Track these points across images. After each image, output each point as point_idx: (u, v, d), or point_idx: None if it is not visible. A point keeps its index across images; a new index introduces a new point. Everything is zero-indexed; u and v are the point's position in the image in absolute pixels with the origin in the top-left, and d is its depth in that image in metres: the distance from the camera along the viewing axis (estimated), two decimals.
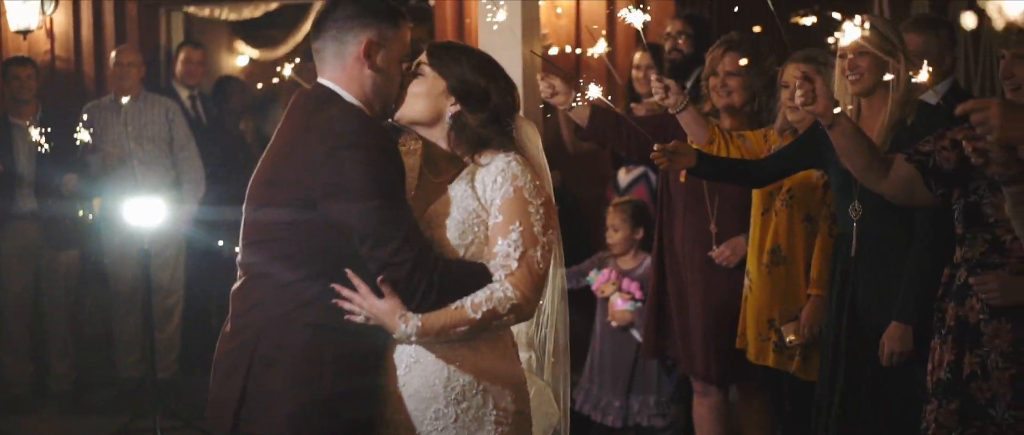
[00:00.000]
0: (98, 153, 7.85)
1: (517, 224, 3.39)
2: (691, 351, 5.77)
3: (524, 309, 3.41)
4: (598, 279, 6.57)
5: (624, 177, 7.31)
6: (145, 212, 6.94)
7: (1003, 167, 3.32)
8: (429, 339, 3.38)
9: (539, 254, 3.40)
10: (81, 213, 7.82)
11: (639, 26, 4.84)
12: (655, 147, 4.90)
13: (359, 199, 3.26)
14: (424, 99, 3.51)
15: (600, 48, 5.32)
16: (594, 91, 4.63)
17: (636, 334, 6.40)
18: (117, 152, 7.92)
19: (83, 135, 7.41)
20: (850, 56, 4.57)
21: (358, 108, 3.42)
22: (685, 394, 6.29)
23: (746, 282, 5.42)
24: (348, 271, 3.34)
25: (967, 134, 3.30)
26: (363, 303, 3.35)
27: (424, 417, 3.43)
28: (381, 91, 3.45)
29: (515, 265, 3.38)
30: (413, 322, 3.34)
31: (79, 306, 8.47)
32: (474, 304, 3.35)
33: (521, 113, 3.68)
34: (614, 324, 6.49)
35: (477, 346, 3.45)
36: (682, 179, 5.44)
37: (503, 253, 3.39)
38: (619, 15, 5.11)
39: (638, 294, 6.43)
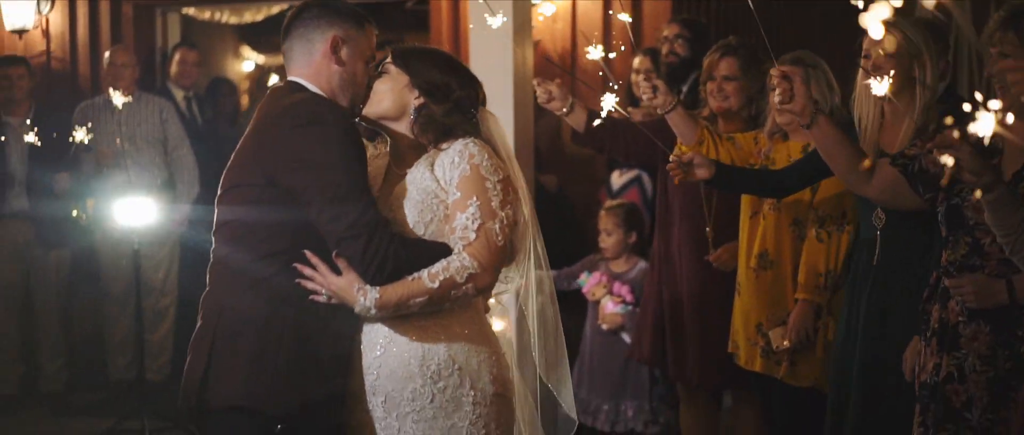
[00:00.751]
0: (91, 153, 7.82)
1: (474, 199, 3.48)
2: (683, 356, 5.73)
3: (481, 278, 3.47)
4: (589, 282, 6.52)
5: (617, 180, 7.28)
6: (137, 212, 6.92)
7: (975, 175, 3.30)
8: (389, 313, 3.43)
9: (497, 227, 3.48)
10: (74, 213, 7.78)
11: (627, 21, 4.81)
12: (670, 158, 4.86)
13: (319, 173, 3.36)
14: (389, 94, 3.64)
15: (596, 53, 5.31)
16: (609, 100, 4.61)
17: (626, 337, 6.36)
18: (111, 152, 7.89)
19: (78, 134, 7.39)
20: (874, 57, 4.48)
21: (324, 96, 3.55)
22: (675, 400, 6.25)
23: (736, 286, 5.37)
24: (307, 251, 3.41)
25: (937, 142, 3.28)
26: (322, 280, 3.41)
27: (401, 397, 3.49)
28: (347, 86, 3.60)
29: (473, 236, 3.46)
30: (371, 295, 3.39)
31: (71, 306, 8.43)
32: (431, 274, 3.42)
33: (490, 108, 3.79)
34: (604, 327, 6.44)
35: (449, 325, 3.52)
36: (676, 182, 5.41)
37: (461, 226, 3.47)
38: (612, 13, 5.11)
39: (629, 297, 6.38)
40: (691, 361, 5.71)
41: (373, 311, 3.41)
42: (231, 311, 3.46)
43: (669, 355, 5.82)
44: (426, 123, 3.60)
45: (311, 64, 3.57)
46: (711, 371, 5.67)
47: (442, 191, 3.51)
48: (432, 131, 3.61)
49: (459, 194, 3.48)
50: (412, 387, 3.47)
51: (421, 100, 3.61)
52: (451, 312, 3.52)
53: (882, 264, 4.59)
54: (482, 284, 3.48)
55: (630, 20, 4.74)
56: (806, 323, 5.03)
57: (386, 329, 3.50)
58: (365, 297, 3.39)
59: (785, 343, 5.07)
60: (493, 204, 3.48)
